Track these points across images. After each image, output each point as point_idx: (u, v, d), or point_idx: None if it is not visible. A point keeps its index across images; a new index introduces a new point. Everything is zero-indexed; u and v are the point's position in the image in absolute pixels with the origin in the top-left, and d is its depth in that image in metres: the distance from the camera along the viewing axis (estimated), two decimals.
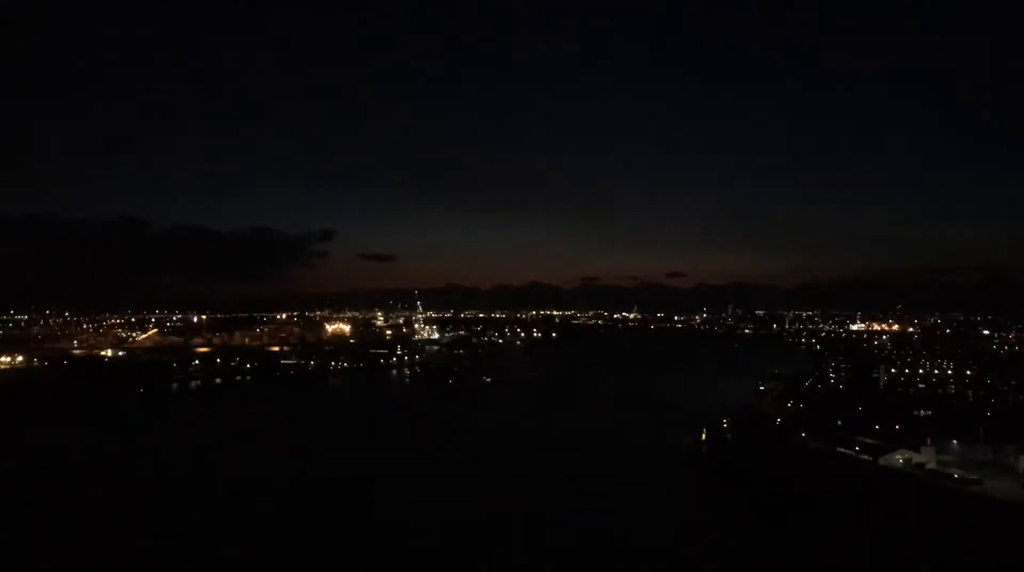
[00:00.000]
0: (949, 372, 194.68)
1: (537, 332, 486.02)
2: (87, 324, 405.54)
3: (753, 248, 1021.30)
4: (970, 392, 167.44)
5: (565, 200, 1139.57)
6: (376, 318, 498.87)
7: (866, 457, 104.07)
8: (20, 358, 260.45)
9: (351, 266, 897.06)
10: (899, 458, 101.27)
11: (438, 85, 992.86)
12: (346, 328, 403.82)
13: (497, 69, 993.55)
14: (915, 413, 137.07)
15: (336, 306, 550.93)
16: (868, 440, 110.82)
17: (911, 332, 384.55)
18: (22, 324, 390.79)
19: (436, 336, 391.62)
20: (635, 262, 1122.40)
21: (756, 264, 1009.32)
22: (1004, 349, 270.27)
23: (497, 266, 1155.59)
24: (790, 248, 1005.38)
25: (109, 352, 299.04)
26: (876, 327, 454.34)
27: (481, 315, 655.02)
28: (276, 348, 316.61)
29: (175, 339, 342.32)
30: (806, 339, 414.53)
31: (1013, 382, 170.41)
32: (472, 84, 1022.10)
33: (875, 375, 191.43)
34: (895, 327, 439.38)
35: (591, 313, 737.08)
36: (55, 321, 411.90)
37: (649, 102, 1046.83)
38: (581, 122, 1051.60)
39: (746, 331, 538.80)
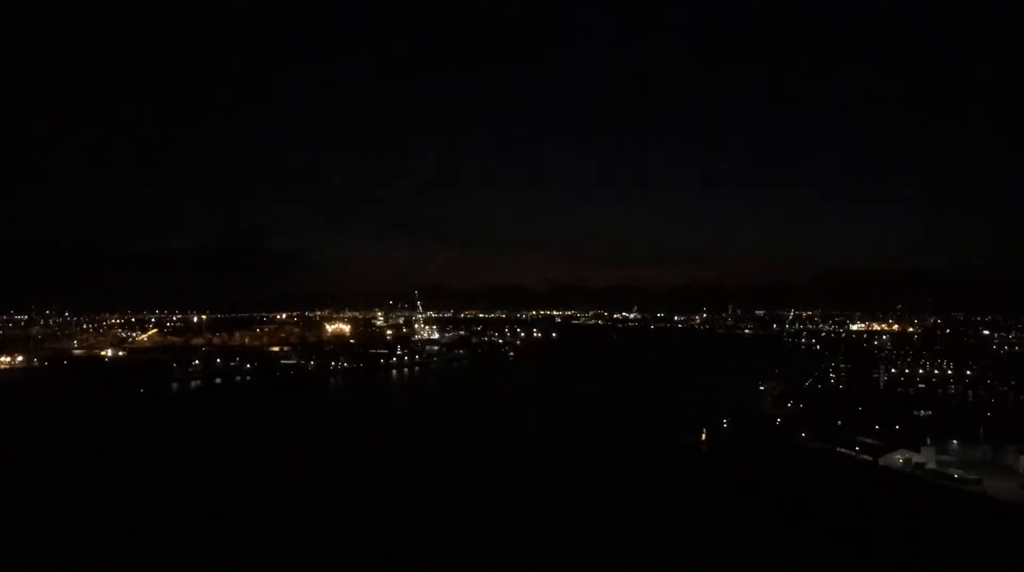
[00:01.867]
0: (949, 372, 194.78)
1: (537, 332, 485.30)
2: (87, 324, 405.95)
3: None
4: (970, 392, 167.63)
5: (537, 220, 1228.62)
6: (376, 318, 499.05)
7: (866, 457, 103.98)
8: (20, 358, 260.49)
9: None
10: (899, 458, 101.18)
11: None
12: (346, 328, 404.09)
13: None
14: (915, 413, 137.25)
15: (336, 306, 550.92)
16: (868, 440, 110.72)
17: (911, 332, 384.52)
18: (22, 324, 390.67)
19: (436, 336, 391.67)
20: (599, 270, 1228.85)
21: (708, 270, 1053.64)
22: (1004, 349, 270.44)
23: (474, 272, 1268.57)
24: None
25: (109, 352, 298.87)
26: (876, 327, 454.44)
27: (481, 315, 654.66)
28: (276, 348, 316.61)
29: (175, 339, 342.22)
30: (806, 339, 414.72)
31: (1013, 382, 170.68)
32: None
33: (875, 375, 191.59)
34: (895, 327, 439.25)
35: (591, 313, 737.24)
36: (55, 321, 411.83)
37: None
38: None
39: (746, 331, 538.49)
